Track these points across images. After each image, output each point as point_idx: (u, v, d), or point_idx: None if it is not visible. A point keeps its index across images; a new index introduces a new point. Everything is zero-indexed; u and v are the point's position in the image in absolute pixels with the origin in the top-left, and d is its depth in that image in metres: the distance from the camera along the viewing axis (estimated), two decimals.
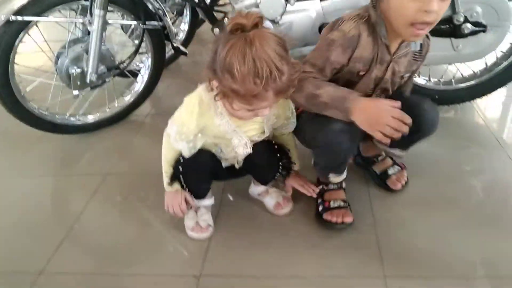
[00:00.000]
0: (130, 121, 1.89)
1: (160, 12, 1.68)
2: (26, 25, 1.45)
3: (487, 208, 1.25)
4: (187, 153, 1.10)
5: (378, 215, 1.24)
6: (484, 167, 1.44)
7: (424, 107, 1.12)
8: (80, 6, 1.59)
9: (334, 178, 1.23)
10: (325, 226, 1.20)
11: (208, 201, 1.27)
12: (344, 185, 1.27)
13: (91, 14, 1.53)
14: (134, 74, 1.87)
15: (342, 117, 1.01)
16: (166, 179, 1.17)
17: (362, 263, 1.10)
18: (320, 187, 1.26)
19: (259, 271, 1.10)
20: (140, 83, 1.85)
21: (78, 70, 1.61)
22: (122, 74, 1.80)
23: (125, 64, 1.72)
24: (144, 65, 1.83)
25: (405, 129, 0.96)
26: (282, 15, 1.49)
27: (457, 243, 1.13)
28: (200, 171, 1.16)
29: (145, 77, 1.83)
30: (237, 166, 1.20)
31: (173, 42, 1.77)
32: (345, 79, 1.10)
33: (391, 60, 1.08)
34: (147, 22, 1.63)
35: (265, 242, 1.19)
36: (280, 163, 1.20)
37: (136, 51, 1.70)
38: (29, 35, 1.50)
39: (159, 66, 1.83)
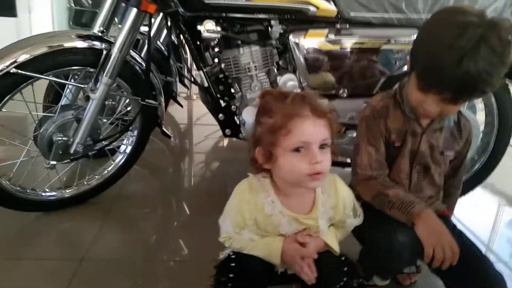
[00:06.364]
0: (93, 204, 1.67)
1: (158, 90, 1.65)
2: (23, 82, 1.30)
3: None
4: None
5: None
6: None
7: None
8: (81, 73, 1.49)
9: (378, 281, 1.17)
10: None
11: None
12: None
13: (95, 82, 1.44)
14: (112, 152, 1.72)
15: (404, 220, 1.01)
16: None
17: None
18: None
19: None
20: (120, 159, 1.70)
21: (65, 139, 1.45)
22: (100, 151, 1.64)
23: (112, 139, 1.60)
24: (127, 141, 1.70)
25: (450, 263, 0.96)
26: None
27: None
28: (252, 278, 0.96)
29: (126, 154, 1.69)
30: (289, 272, 1.02)
31: (162, 123, 1.72)
32: (386, 154, 1.12)
33: (423, 132, 1.09)
34: (146, 100, 1.57)
35: None
36: (343, 277, 0.99)
37: (128, 127, 1.60)
38: (21, 93, 1.34)
39: (142, 146, 1.72)
